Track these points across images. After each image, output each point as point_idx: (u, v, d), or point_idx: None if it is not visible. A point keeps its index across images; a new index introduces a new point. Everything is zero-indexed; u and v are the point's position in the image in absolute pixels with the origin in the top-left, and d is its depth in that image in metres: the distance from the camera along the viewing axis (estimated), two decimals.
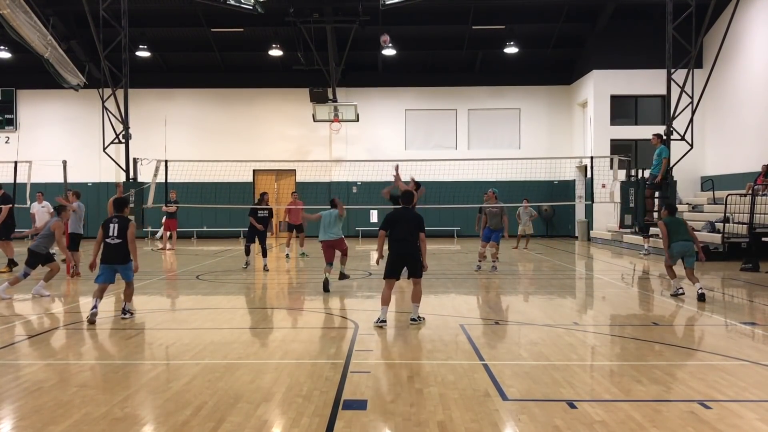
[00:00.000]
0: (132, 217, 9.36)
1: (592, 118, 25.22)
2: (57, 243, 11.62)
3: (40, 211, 19.29)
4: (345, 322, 9.18)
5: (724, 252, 16.80)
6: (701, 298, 10.43)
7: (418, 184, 13.12)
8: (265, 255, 15.77)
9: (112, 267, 9.10)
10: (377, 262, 9.28)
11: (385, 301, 8.67)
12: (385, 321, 8.57)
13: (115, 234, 9.02)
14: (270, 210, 16.12)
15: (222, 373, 6.39)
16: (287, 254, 18.38)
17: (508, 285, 12.97)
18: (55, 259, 12.00)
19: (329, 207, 12.47)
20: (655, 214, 16.62)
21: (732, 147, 22.25)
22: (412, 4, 22.17)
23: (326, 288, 11.83)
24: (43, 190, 18.23)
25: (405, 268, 8.96)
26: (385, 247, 9.06)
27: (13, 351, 7.50)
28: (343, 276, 12.51)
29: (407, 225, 8.77)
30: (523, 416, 5.11)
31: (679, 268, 11.23)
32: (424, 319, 8.93)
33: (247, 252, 15.81)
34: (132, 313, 9.34)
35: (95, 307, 8.94)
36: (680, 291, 11.04)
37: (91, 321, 8.79)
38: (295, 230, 18.42)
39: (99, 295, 9.06)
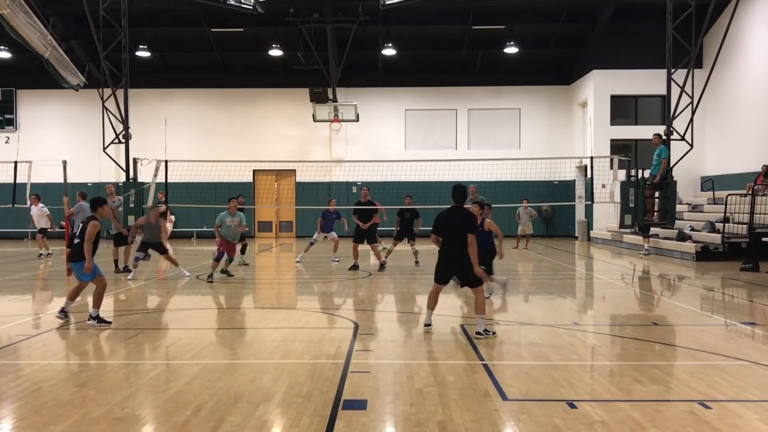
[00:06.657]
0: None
1: (592, 118, 25.21)
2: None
3: (37, 212, 19.37)
4: (345, 322, 9.18)
5: (724, 252, 16.82)
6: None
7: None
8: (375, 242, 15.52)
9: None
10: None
11: (431, 305, 8.21)
12: (430, 324, 8.15)
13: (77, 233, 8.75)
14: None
15: (222, 373, 6.39)
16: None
17: (508, 285, 12.94)
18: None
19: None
20: (656, 214, 16.61)
21: (732, 147, 22.24)
22: (412, 4, 22.17)
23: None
24: (43, 190, 18.22)
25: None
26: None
27: (13, 351, 7.50)
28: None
29: (453, 228, 7.80)
30: (523, 416, 5.11)
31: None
32: (494, 333, 7.90)
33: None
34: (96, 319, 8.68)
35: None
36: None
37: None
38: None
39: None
